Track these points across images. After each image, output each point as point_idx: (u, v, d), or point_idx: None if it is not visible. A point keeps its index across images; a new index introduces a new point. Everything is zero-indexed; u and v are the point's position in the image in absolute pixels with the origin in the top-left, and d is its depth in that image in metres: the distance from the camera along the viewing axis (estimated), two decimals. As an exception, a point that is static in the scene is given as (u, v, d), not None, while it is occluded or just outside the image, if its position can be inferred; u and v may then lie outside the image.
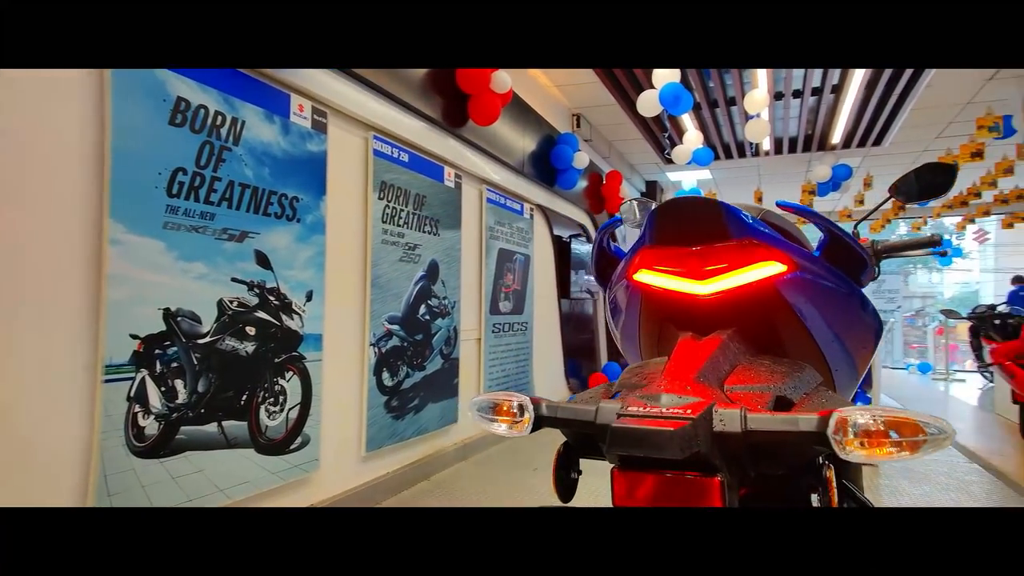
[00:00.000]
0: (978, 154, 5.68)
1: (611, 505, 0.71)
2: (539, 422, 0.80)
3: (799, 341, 0.99)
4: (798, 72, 5.00)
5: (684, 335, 0.93)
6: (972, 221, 10.14)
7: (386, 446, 3.02)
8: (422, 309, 3.36)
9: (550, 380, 5.40)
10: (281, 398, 2.34)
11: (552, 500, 0.83)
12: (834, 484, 0.70)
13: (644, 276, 0.99)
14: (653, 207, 1.53)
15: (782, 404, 0.82)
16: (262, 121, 2.25)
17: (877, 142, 6.63)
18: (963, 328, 8.85)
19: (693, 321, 0.98)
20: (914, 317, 15.53)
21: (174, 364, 1.93)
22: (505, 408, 0.81)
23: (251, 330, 2.20)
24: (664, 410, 0.70)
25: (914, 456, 0.62)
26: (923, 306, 12.42)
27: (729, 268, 0.90)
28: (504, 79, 3.59)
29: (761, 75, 4.84)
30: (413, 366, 3.28)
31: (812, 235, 1.18)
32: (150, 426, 1.86)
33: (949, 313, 6.08)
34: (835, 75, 5.05)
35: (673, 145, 6.12)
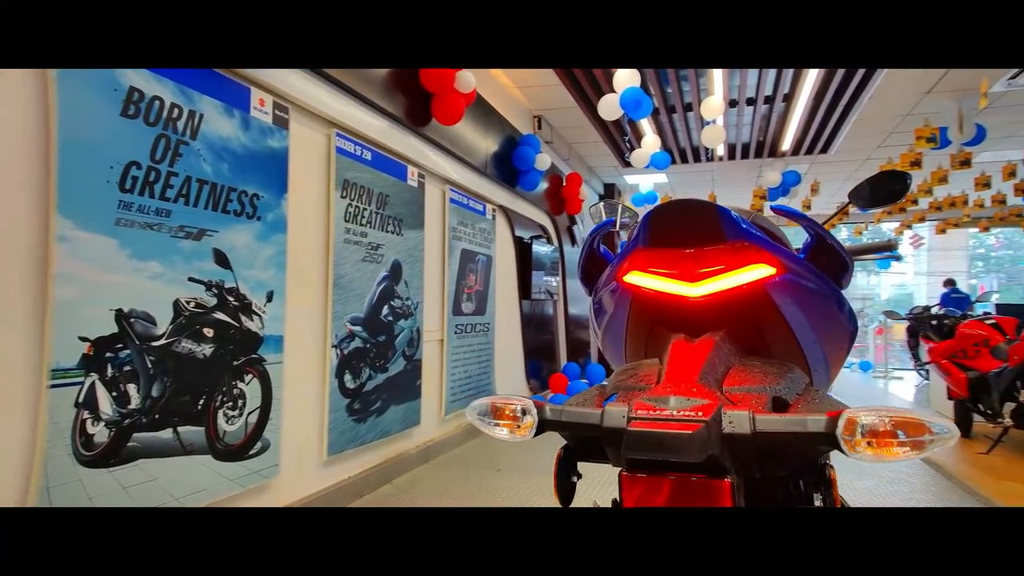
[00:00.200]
0: (916, 163, 5.99)
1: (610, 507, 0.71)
2: (543, 426, 0.79)
3: (783, 342, 1.02)
4: (752, 80, 5.17)
5: (676, 337, 0.93)
6: (909, 227, 10.70)
7: (348, 450, 2.96)
8: (385, 310, 3.31)
9: (511, 381, 5.40)
10: (240, 402, 2.26)
11: (540, 502, 0.82)
12: (837, 484, 0.71)
13: (635, 278, 0.99)
14: (621, 206, 1.55)
15: (778, 405, 0.83)
16: (221, 115, 2.17)
17: (824, 150, 6.92)
18: (900, 328, 9.32)
19: (683, 323, 0.98)
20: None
21: (127, 368, 1.83)
22: (507, 412, 0.79)
23: (209, 332, 2.12)
24: (675, 413, 0.70)
25: (919, 455, 0.63)
26: (863, 307, 13.01)
27: (722, 270, 0.91)
28: (468, 78, 3.57)
29: (717, 82, 4.97)
30: (376, 368, 3.22)
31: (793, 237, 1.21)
32: (100, 433, 1.76)
33: (890, 314, 6.37)
34: (787, 84, 5.23)
35: (632, 149, 6.22)
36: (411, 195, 3.58)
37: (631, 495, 0.71)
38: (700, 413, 0.69)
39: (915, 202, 8.15)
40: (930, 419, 0.64)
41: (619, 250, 1.28)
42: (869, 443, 0.63)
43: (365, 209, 3.11)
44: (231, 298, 2.21)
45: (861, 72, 4.76)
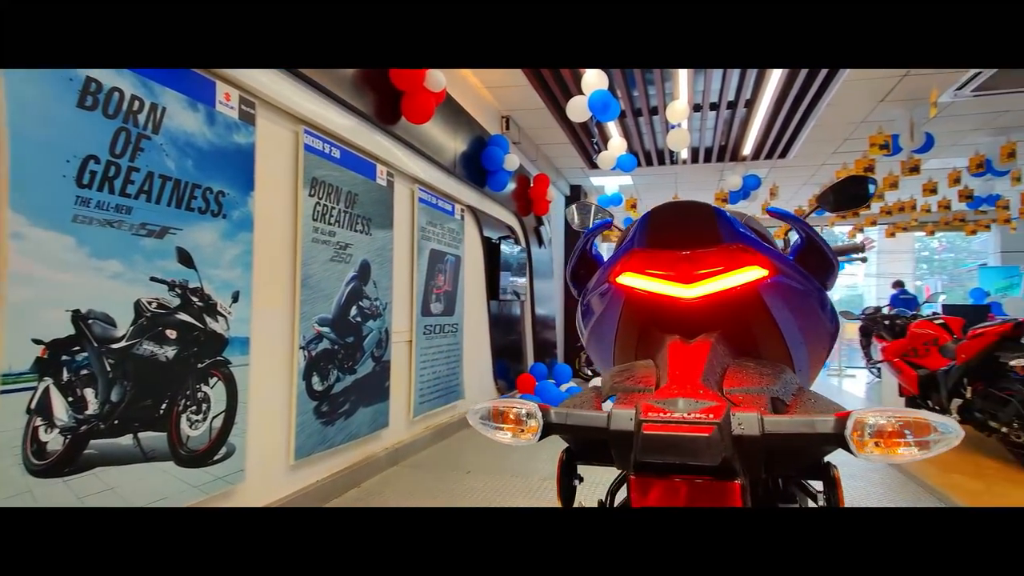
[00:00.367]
0: (870, 169, 6.22)
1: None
2: (548, 429, 0.78)
3: (771, 343, 1.03)
4: (716, 85, 5.27)
5: (672, 338, 0.93)
6: (861, 230, 11.12)
7: (315, 453, 2.89)
8: (353, 310, 3.25)
9: (479, 381, 5.38)
10: (204, 406, 2.18)
11: (510, 504, 0.81)
12: (842, 483, 0.72)
13: (628, 279, 0.99)
14: (594, 206, 1.55)
15: (776, 406, 0.83)
16: (185, 109, 2.09)
17: (783, 155, 7.12)
18: (852, 328, 9.67)
19: (676, 324, 0.99)
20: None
21: (84, 371, 1.75)
22: (510, 416, 0.78)
23: (172, 333, 2.04)
24: (687, 415, 0.70)
25: (926, 454, 0.65)
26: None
27: (718, 272, 0.92)
28: (438, 77, 3.54)
29: (683, 87, 5.06)
30: (344, 369, 3.16)
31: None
32: (53, 441, 1.67)
33: (845, 314, 6.61)
34: (749, 90, 5.36)
35: (599, 151, 6.28)
36: (380, 194, 3.52)
37: (641, 497, 0.71)
38: (711, 415, 0.69)
39: (868, 206, 8.47)
40: (936, 419, 0.65)
41: (586, 250, 1.28)
42: (877, 443, 0.64)
43: (333, 208, 3.04)
44: (195, 298, 2.13)
45: (820, 78, 4.90)
